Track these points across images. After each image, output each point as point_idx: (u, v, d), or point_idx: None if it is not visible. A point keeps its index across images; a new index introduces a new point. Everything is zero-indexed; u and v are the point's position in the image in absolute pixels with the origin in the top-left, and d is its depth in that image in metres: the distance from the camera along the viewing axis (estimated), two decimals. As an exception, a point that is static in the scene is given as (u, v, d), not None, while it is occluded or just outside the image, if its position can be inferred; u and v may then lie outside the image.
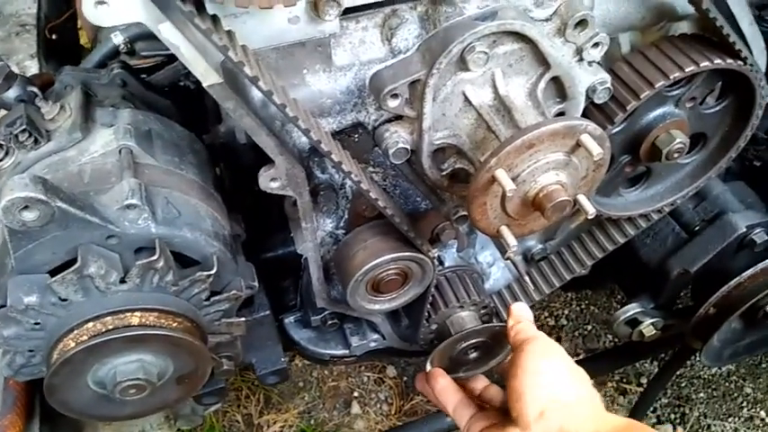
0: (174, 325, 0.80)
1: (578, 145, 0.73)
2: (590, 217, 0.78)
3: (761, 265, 1.02)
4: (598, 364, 1.39)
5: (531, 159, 0.73)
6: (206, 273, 0.80)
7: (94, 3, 0.61)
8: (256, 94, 0.75)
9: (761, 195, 1.11)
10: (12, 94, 0.90)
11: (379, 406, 1.93)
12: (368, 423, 1.88)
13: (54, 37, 1.36)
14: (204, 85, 0.68)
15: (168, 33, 0.65)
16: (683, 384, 1.90)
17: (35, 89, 0.91)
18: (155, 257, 0.75)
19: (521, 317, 0.87)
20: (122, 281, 0.76)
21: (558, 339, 1.99)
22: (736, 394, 1.88)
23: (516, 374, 0.77)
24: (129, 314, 0.78)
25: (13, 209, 0.68)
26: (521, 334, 0.83)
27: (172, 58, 1.11)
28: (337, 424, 1.88)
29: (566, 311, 2.04)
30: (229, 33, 0.66)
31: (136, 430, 1.35)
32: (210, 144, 1.01)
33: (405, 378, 1.96)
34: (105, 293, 0.76)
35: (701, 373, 1.92)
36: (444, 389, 0.94)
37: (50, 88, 0.97)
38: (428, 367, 0.99)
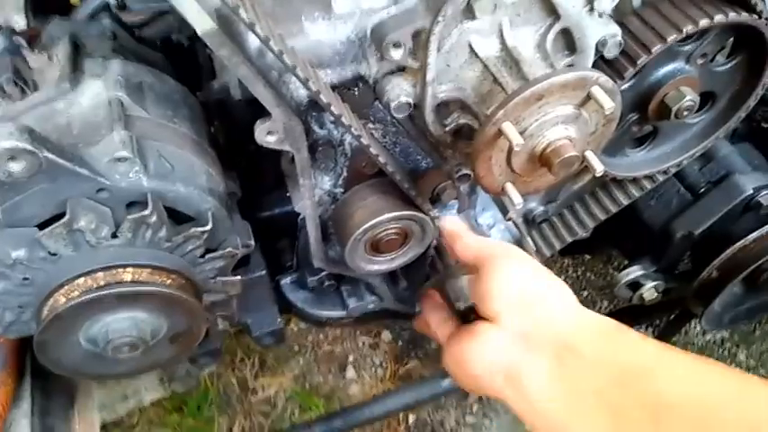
0: (168, 282, 0.78)
1: (589, 98, 0.70)
2: (597, 174, 0.75)
3: (767, 228, 1.00)
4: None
5: (539, 112, 0.71)
6: (201, 229, 0.78)
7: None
8: (252, 43, 0.71)
9: (768, 157, 1.09)
10: (-4, 45, 0.87)
11: (374, 370, 1.93)
12: (362, 387, 1.89)
13: (44, -9, 1.31)
14: (198, 31, 0.65)
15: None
16: (677, 350, 1.92)
17: (21, 40, 0.88)
18: (147, 212, 0.73)
19: (456, 231, 0.82)
20: (114, 235, 0.74)
21: (554, 305, 1.99)
22: (729, 361, 1.90)
23: (478, 279, 0.72)
24: (121, 270, 0.75)
25: (-1, 159, 0.66)
26: (468, 249, 0.77)
27: (163, 13, 1.07)
28: (332, 388, 1.88)
29: (562, 277, 2.01)
30: (224, -26, 0.62)
31: (130, 391, 1.34)
32: (204, 101, 0.98)
33: (400, 342, 1.96)
34: (96, 248, 0.74)
35: (695, 339, 1.93)
36: (433, 306, 0.89)
37: (37, 40, 0.93)
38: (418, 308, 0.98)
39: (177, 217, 0.78)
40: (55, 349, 0.78)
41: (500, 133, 0.71)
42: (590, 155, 0.76)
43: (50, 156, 0.68)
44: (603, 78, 0.70)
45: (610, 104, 0.69)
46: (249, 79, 0.69)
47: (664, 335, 1.32)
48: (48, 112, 0.79)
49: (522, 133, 0.71)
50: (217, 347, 1.06)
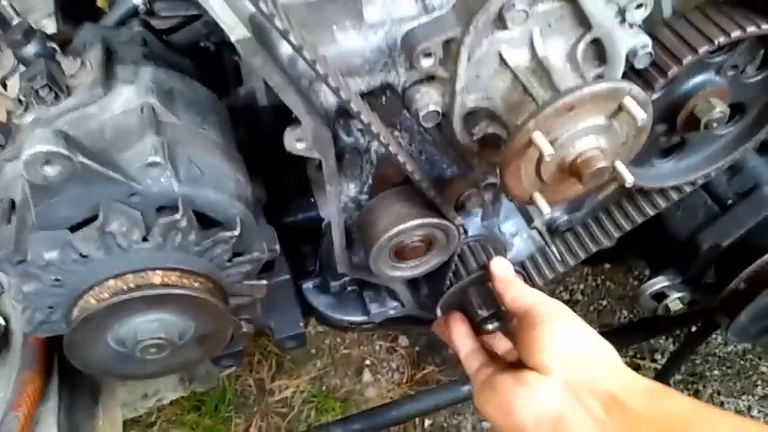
0: (196, 285, 0.79)
1: (620, 109, 0.70)
2: (628, 185, 0.75)
3: (795, 241, 0.99)
4: (615, 338, 1.37)
5: (570, 123, 0.70)
6: (229, 234, 0.79)
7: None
8: (284, 52, 0.72)
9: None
10: (31, 49, 0.87)
11: (390, 374, 1.93)
12: (379, 391, 1.89)
13: (73, -4, 1.33)
14: (232, 39, 0.65)
15: (196, -17, 0.63)
16: (697, 362, 1.89)
17: (54, 45, 0.89)
18: (178, 216, 0.74)
19: (508, 278, 0.85)
20: (144, 239, 0.75)
21: (573, 313, 1.98)
22: (750, 372, 1.87)
23: (527, 328, 0.74)
24: (150, 273, 0.76)
25: (34, 163, 0.67)
26: (520, 299, 0.80)
27: (191, 19, 1.08)
28: (348, 391, 1.89)
29: (581, 286, 2.02)
30: (260, -17, 0.63)
31: (151, 391, 1.35)
32: (230, 107, 0.99)
33: (417, 348, 1.96)
34: (127, 251, 0.75)
35: (716, 350, 1.91)
36: (461, 334, 0.93)
37: (69, 45, 0.95)
38: (438, 313, 1.00)
39: (206, 221, 0.79)
40: (84, 350, 0.79)
41: (530, 143, 0.70)
42: (620, 165, 0.75)
43: (84, 160, 0.69)
44: (636, 89, 0.70)
45: (642, 116, 0.68)
46: (281, 87, 0.70)
47: (689, 344, 1.30)
48: (81, 117, 0.80)
49: (552, 143, 0.71)
50: (240, 349, 1.07)
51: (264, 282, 0.91)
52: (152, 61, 0.88)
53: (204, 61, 1.04)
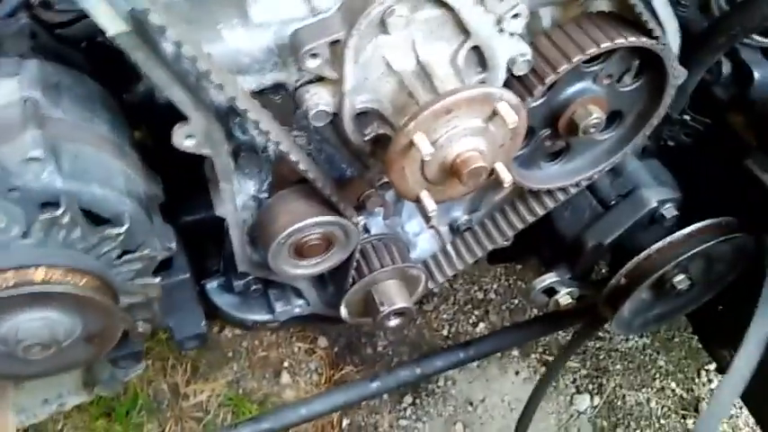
0: (81, 283, 0.78)
1: (495, 113, 0.74)
2: (506, 185, 0.80)
3: (668, 239, 1.07)
4: (521, 332, 1.43)
5: (448, 125, 0.74)
6: (116, 230, 0.78)
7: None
8: (168, 47, 0.72)
9: (674, 174, 1.16)
10: None
11: (309, 376, 1.94)
12: (297, 393, 1.90)
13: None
14: (108, 33, 0.65)
15: (72, -24, 0.62)
16: (601, 356, 2.00)
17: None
18: (59, 212, 0.73)
19: None
20: (25, 235, 0.74)
21: (486, 313, 2.05)
22: (649, 366, 1.99)
23: None
24: (32, 270, 0.75)
25: None
26: None
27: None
28: (266, 393, 1.88)
29: (494, 286, 2.09)
30: (137, -21, 0.63)
31: (52, 396, 1.30)
32: (130, 104, 0.98)
33: (336, 348, 1.98)
34: (7, 247, 0.73)
35: (619, 346, 2.02)
36: None
37: (-51, 36, 0.91)
38: (342, 312, 1.00)
39: (95, 218, 0.78)
40: (-38, 349, 0.77)
41: (412, 144, 0.74)
42: (499, 166, 0.80)
43: (-42, 153, 0.68)
44: (508, 95, 0.74)
45: (514, 119, 0.73)
46: (164, 82, 0.70)
47: (578, 338, 1.37)
48: (-42, 109, 0.78)
49: (432, 144, 0.74)
50: (139, 350, 1.05)
51: (158, 280, 0.90)
52: (40, 55, 0.87)
53: (102, 57, 1.02)
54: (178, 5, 0.70)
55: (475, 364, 1.94)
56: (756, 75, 1.08)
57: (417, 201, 0.83)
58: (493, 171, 0.81)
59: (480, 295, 2.07)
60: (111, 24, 0.64)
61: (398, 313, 1.11)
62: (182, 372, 1.85)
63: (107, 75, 0.97)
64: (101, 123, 0.84)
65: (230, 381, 1.88)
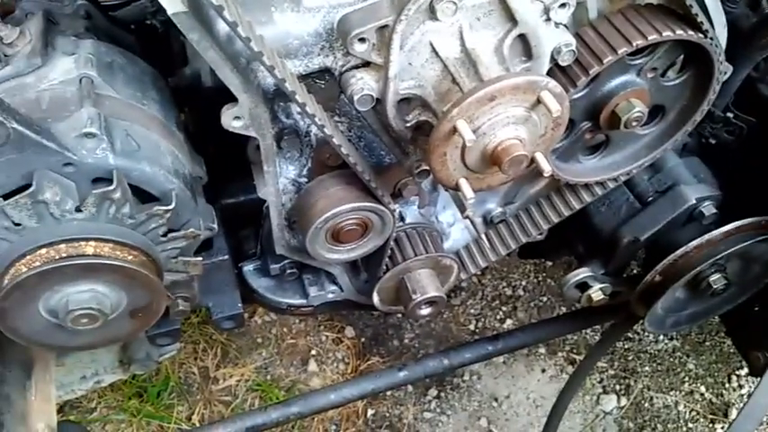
0: (129, 257, 0.81)
1: (538, 101, 0.75)
2: (546, 175, 0.80)
3: (706, 237, 1.06)
4: (551, 327, 1.43)
5: (491, 112, 0.75)
6: (163, 208, 0.81)
7: None
8: (222, 29, 0.74)
9: (714, 171, 1.15)
10: (-33, 17, 0.88)
11: (335, 365, 1.95)
12: (323, 381, 1.91)
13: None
14: (169, 12, 0.67)
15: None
16: (629, 357, 1.97)
17: (-7, 13, 0.89)
18: (111, 188, 0.75)
19: None
20: (78, 209, 0.76)
21: (514, 309, 2.04)
22: (679, 369, 1.96)
23: None
24: (83, 243, 0.78)
25: (-33, 128, 0.68)
26: None
27: (140, -5, 1.09)
28: (293, 380, 1.90)
29: (523, 282, 2.08)
30: (196, -39, 0.65)
31: (89, 373, 1.34)
32: (176, 87, 1.00)
33: (362, 339, 1.99)
34: (60, 221, 0.76)
35: (648, 347, 1.99)
36: None
37: (10, 15, 0.95)
38: (375, 299, 1.01)
39: (142, 196, 0.81)
40: (14, 318, 0.80)
41: (455, 130, 0.75)
42: (539, 156, 0.80)
43: (18, 127, 0.71)
44: (552, 84, 0.75)
45: (557, 108, 0.73)
46: (217, 63, 0.72)
47: (611, 335, 1.37)
48: (17, 85, 0.81)
49: (475, 131, 0.75)
50: (176, 328, 1.08)
51: (200, 259, 0.93)
52: (94, 35, 0.89)
53: (151, 39, 1.05)
54: (233, -12, 0.72)
55: (501, 360, 1.93)
56: (804, 73, 1.07)
57: (456, 188, 0.84)
58: (533, 160, 0.81)
59: (509, 291, 2.06)
60: (171, 3, 0.66)
61: (430, 302, 1.12)
62: (212, 356, 1.88)
63: (154, 57, 1.00)
64: (151, 103, 0.86)
65: (259, 366, 1.90)
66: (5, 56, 0.83)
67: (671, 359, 1.98)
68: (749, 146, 1.13)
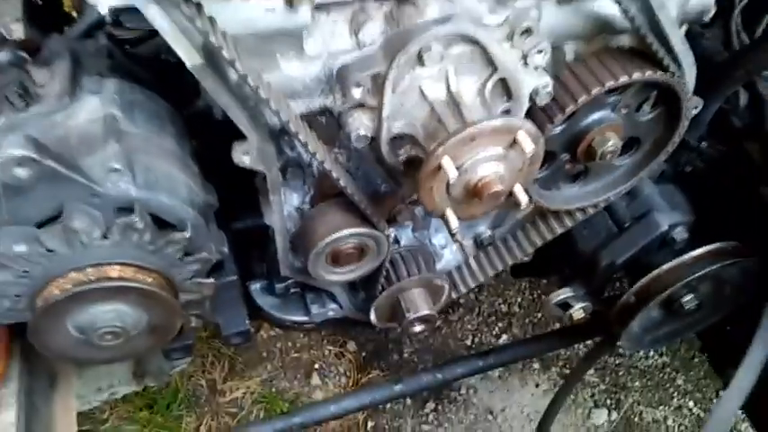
0: (150, 280, 0.89)
1: (515, 141, 0.83)
2: (522, 207, 0.88)
3: (677, 260, 1.14)
4: (539, 344, 1.51)
5: (473, 151, 0.83)
6: (180, 235, 0.89)
7: (90, -17, 0.69)
8: (234, 74, 0.83)
9: (689, 198, 1.23)
10: (3, 57, 0.96)
11: (338, 378, 2.03)
12: (326, 394, 1.99)
13: (40, 2, 1.41)
14: (187, 65, 0.76)
15: (155, 15, 0.74)
16: (620, 373, 2.05)
17: (25, 54, 0.97)
18: (134, 217, 0.84)
19: None
20: (104, 237, 0.85)
21: (510, 325, 2.12)
22: (668, 385, 2.03)
23: None
24: (108, 267, 0.86)
25: (7, 165, 0.76)
26: None
27: (155, 32, 1.17)
28: (297, 393, 1.98)
29: (519, 299, 2.16)
30: (211, 20, 0.74)
31: (105, 384, 1.42)
32: (188, 118, 1.09)
33: (364, 353, 2.07)
34: (88, 247, 0.84)
35: (638, 363, 2.06)
36: None
37: (38, 54, 1.03)
38: (372, 316, 1.09)
39: (161, 223, 0.89)
40: (47, 335, 0.88)
41: (440, 167, 0.83)
42: (517, 189, 0.88)
43: (52, 164, 0.79)
44: (528, 125, 0.83)
45: (531, 148, 0.82)
46: (229, 107, 0.81)
47: (593, 354, 1.44)
48: (48, 123, 0.89)
49: (458, 168, 0.83)
50: (189, 343, 1.16)
51: (213, 281, 1.01)
52: (116, 73, 0.98)
53: (166, 73, 1.13)
54: (244, 39, 0.81)
55: (496, 374, 2.01)
56: (772, 106, 1.15)
57: (443, 217, 0.93)
58: (512, 193, 0.89)
59: (504, 308, 2.14)
60: (188, 57, 0.75)
61: (423, 319, 1.20)
62: (219, 369, 1.96)
63: (169, 89, 1.08)
64: (168, 137, 0.95)
65: (264, 379, 1.98)
66: (37, 95, 0.91)
67: (660, 375, 2.05)
68: (721, 174, 1.21)
